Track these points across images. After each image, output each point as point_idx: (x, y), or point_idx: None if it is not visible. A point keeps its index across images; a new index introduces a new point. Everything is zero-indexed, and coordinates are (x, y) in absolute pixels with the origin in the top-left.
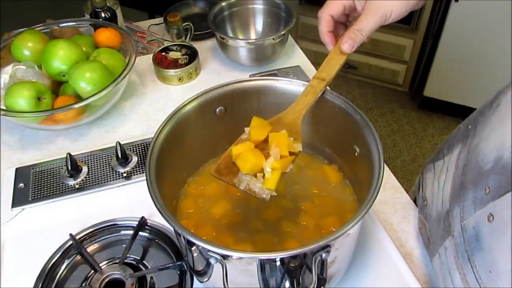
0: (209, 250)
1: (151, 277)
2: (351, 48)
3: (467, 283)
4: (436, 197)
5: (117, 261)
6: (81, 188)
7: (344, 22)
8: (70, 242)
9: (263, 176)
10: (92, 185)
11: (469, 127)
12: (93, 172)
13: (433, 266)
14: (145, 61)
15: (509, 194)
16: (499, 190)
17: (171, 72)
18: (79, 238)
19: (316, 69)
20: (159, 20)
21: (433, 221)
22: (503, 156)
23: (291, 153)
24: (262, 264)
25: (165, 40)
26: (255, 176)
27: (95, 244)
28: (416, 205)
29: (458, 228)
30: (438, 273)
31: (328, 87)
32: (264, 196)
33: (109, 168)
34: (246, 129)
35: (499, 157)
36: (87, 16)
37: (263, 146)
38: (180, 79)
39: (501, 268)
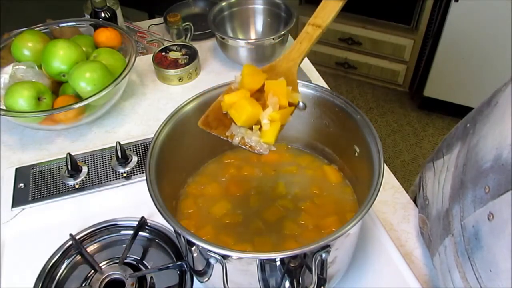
0: (209, 250)
1: (151, 277)
2: None
3: (467, 282)
4: (436, 196)
5: (117, 261)
6: (81, 188)
7: None
8: (70, 242)
9: (260, 129)
10: (92, 185)
11: (468, 125)
12: (93, 172)
13: (434, 266)
14: (145, 61)
15: (508, 193)
16: (498, 189)
17: (171, 72)
18: (79, 238)
19: (316, 69)
20: (159, 20)
21: (434, 220)
22: (502, 154)
23: (290, 104)
24: (262, 264)
25: (165, 40)
26: (251, 129)
27: (95, 244)
28: (416, 205)
29: (458, 227)
30: (438, 272)
31: (328, 87)
32: (262, 151)
33: (109, 168)
34: (237, 77)
35: (498, 155)
36: (87, 16)
37: (257, 96)
38: (180, 79)
39: (500, 267)
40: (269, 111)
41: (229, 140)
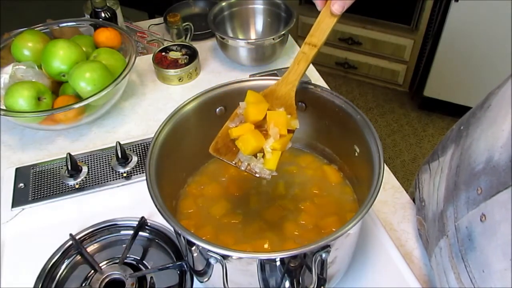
0: (209, 250)
1: (151, 277)
2: (341, 9)
3: (461, 283)
4: (432, 198)
5: (117, 261)
6: (81, 188)
7: None
8: (70, 242)
9: (263, 156)
10: (92, 185)
11: (462, 128)
12: (93, 172)
13: (431, 267)
14: (145, 61)
15: (500, 194)
16: (490, 190)
17: (171, 72)
18: (79, 238)
19: (316, 69)
20: (159, 20)
21: (430, 222)
22: (494, 156)
23: (289, 131)
24: (262, 264)
25: (165, 40)
26: (255, 156)
27: (95, 244)
28: None
29: (452, 228)
30: (435, 273)
31: (328, 87)
32: (265, 176)
33: (109, 168)
34: (242, 104)
35: (490, 158)
36: (87, 16)
37: (260, 123)
38: (180, 79)
39: (493, 268)
40: (271, 142)
41: (238, 166)
